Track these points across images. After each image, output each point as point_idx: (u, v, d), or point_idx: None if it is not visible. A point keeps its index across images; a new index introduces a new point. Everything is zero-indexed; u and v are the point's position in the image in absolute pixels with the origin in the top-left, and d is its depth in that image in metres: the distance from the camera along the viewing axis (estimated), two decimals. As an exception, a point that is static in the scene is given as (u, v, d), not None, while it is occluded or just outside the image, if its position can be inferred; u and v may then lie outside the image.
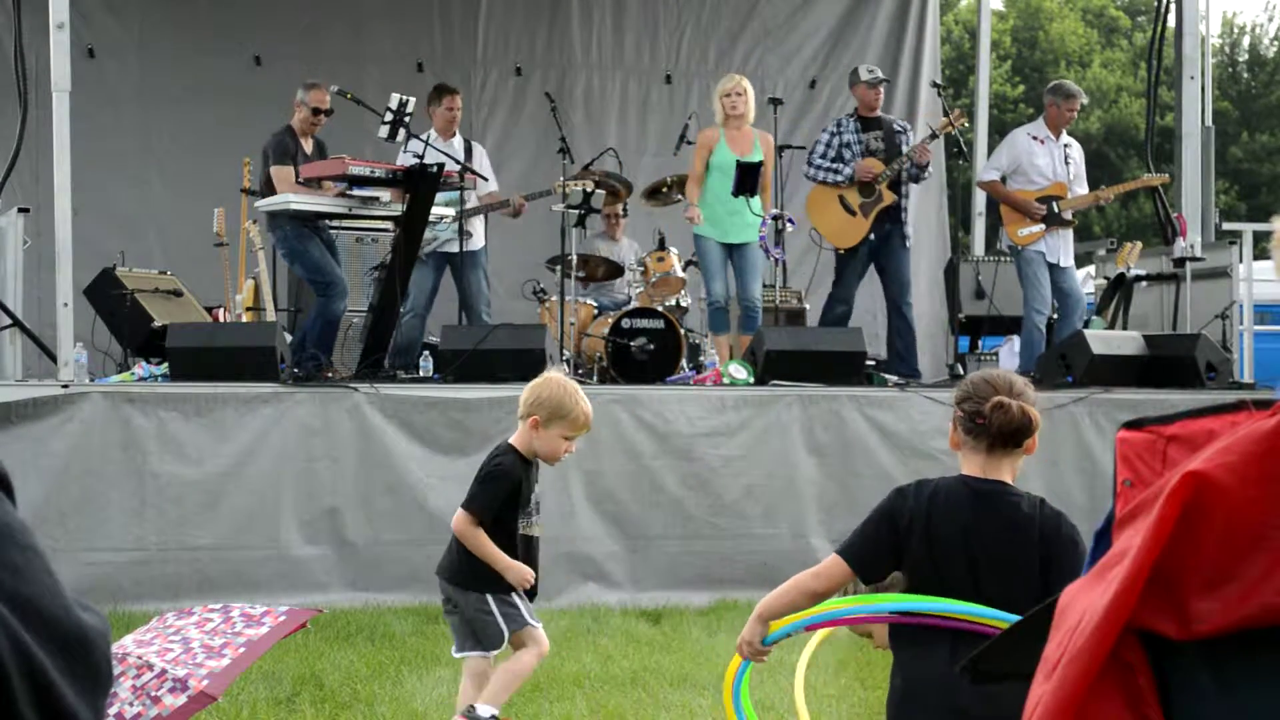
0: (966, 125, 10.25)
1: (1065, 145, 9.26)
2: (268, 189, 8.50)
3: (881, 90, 9.39)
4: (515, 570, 4.38)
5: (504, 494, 4.42)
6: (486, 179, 9.22)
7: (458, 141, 9.21)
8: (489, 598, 4.43)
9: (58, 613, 1.10)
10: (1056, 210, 9.04)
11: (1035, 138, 9.23)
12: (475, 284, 9.06)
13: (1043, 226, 9.02)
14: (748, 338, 8.64)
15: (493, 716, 4.50)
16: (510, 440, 4.53)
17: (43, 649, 1.06)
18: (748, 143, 8.92)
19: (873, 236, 9.13)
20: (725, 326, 8.88)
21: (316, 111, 8.62)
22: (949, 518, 2.92)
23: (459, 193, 8.63)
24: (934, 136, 9.37)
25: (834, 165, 9.17)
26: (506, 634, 4.46)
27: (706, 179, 8.86)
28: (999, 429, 2.95)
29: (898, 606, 2.87)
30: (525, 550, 4.50)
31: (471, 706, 4.50)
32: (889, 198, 9.11)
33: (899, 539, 2.92)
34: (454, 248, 8.91)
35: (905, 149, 9.20)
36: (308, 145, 8.68)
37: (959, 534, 2.91)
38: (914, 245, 9.72)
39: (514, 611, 4.45)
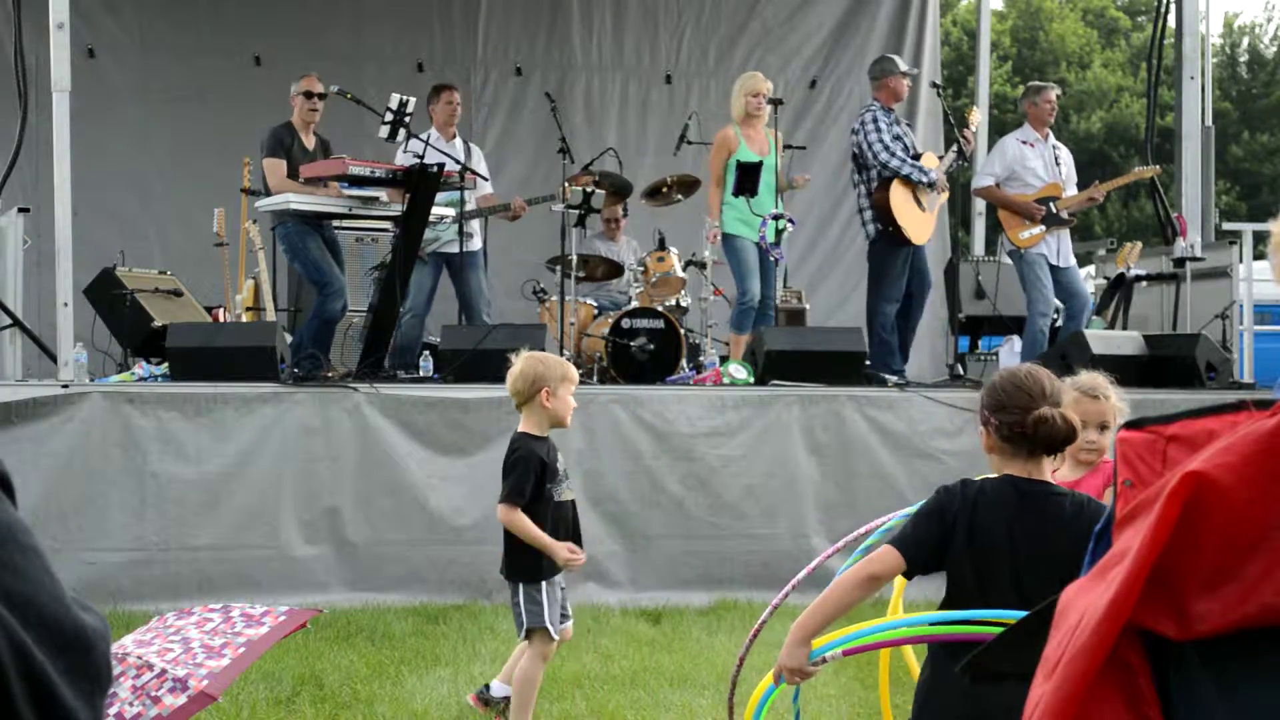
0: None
1: (1054, 147, 9.26)
2: (266, 187, 8.50)
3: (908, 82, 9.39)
4: (559, 550, 4.59)
5: (533, 473, 4.60)
6: (486, 179, 9.23)
7: (458, 142, 9.21)
8: (520, 588, 4.65)
9: (58, 613, 1.09)
10: (1054, 210, 9.02)
11: (1025, 142, 9.20)
12: (475, 284, 9.07)
13: (1043, 228, 8.99)
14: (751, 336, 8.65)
15: (505, 698, 4.81)
16: (519, 430, 4.72)
17: (42, 649, 1.06)
18: (764, 142, 8.94)
19: None
20: (750, 327, 8.86)
21: (309, 95, 8.59)
22: (993, 517, 2.92)
23: (459, 193, 8.63)
24: (968, 128, 9.40)
25: (915, 163, 8.97)
26: (524, 627, 4.67)
27: (728, 181, 8.85)
28: (1045, 441, 2.94)
29: (935, 618, 2.85)
30: (572, 515, 4.74)
31: (486, 686, 4.99)
32: (946, 191, 9.14)
33: (945, 536, 2.92)
34: (454, 248, 8.92)
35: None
36: (309, 141, 8.66)
37: (1003, 533, 2.91)
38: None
39: (535, 608, 4.64)
